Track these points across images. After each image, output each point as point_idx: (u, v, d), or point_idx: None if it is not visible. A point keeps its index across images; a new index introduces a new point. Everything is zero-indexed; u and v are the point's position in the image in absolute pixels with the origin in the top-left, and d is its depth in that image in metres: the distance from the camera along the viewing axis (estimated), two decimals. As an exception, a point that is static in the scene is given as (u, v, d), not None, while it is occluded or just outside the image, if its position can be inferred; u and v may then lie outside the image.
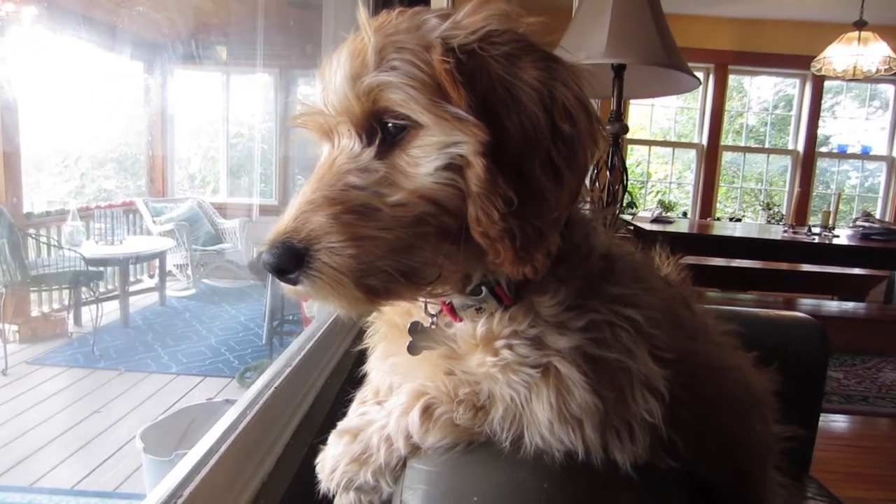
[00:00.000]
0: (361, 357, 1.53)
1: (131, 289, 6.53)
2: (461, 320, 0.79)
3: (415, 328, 0.82)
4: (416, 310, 0.83)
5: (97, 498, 3.28)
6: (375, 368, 0.91)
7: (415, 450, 0.75)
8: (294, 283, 0.64)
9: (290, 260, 0.62)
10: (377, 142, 0.66)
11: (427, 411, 0.74)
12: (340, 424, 0.84)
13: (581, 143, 0.66)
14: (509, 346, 0.73)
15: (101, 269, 6.13)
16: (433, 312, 0.82)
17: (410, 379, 0.81)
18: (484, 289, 0.75)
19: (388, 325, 0.88)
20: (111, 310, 5.92)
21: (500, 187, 0.62)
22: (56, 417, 4.10)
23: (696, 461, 0.84)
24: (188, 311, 6.71)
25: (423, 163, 0.65)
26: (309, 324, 2.31)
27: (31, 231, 5.75)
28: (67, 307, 5.86)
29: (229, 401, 2.56)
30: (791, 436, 1.05)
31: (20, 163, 5.40)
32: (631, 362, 0.74)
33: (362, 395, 0.94)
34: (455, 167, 0.64)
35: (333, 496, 0.83)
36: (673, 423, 0.77)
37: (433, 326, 0.81)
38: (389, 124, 0.66)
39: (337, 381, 1.38)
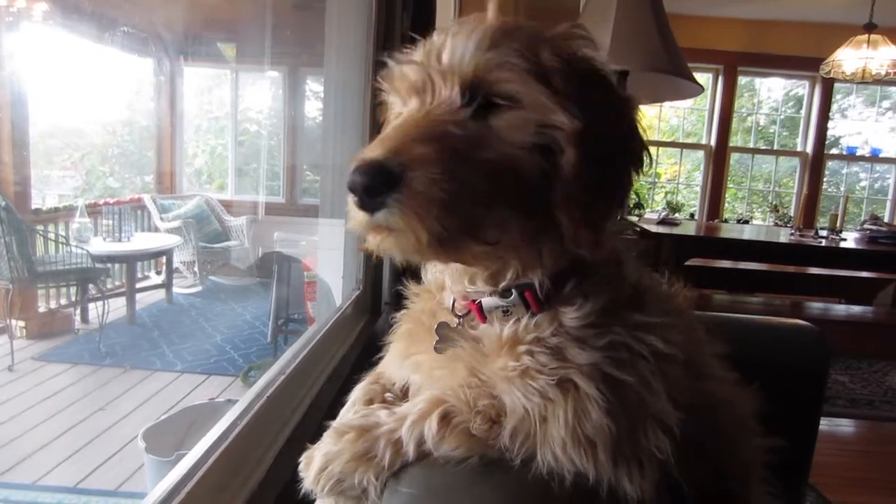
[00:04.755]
0: (359, 361, 1.54)
1: (138, 285, 6.54)
2: (487, 322, 0.81)
3: (442, 328, 0.84)
4: (442, 312, 0.86)
5: (99, 496, 3.29)
6: (393, 365, 0.92)
7: (422, 456, 0.75)
8: (375, 208, 0.65)
9: (383, 180, 0.64)
10: (475, 106, 0.71)
11: (445, 419, 0.75)
12: (337, 423, 0.83)
13: (638, 161, 0.76)
14: (531, 353, 0.74)
15: (108, 265, 6.15)
16: (461, 313, 0.84)
17: (433, 379, 0.82)
18: (514, 291, 0.78)
19: (414, 322, 0.91)
20: (118, 306, 5.93)
21: (586, 175, 0.69)
22: (61, 414, 4.12)
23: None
24: (194, 309, 6.73)
25: (517, 134, 0.70)
26: (313, 323, 2.32)
27: (39, 227, 5.77)
28: (74, 304, 5.88)
29: (231, 401, 2.56)
30: (782, 447, 1.04)
31: (29, 158, 5.42)
32: (647, 394, 0.74)
33: (355, 396, 0.94)
34: (545, 149, 0.70)
35: (313, 500, 0.82)
36: (678, 462, 0.77)
37: (459, 327, 0.83)
38: (491, 96, 0.71)
39: (333, 387, 1.38)
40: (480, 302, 0.81)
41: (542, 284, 0.77)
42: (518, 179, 0.70)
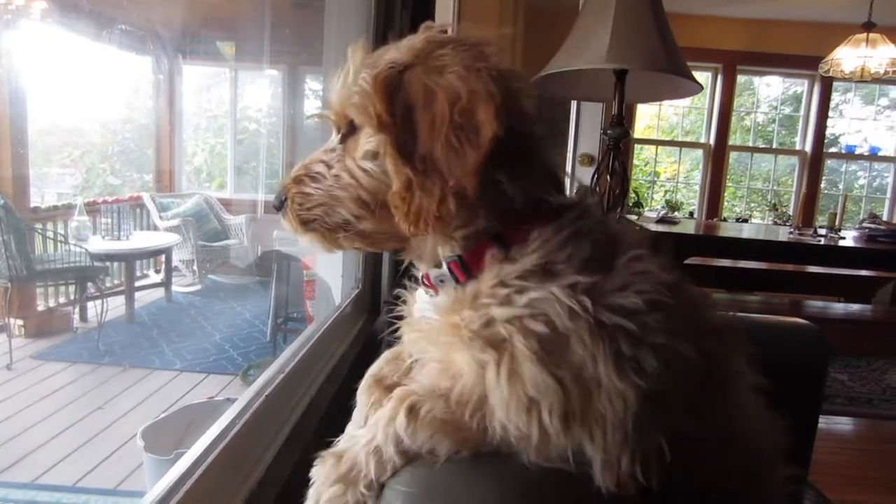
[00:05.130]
0: (358, 360, 1.54)
1: (137, 284, 6.54)
2: (438, 292, 0.89)
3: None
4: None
5: (98, 495, 3.29)
6: (404, 340, 0.97)
7: (407, 455, 0.76)
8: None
9: (279, 202, 0.91)
10: (341, 135, 0.89)
11: (412, 411, 0.77)
12: (325, 452, 0.85)
13: (477, 125, 0.78)
14: (461, 322, 0.79)
15: (107, 264, 6.15)
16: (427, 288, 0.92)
17: (424, 352, 0.88)
18: (444, 264, 0.87)
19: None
20: (116, 305, 5.93)
21: (402, 168, 0.78)
22: (59, 413, 4.12)
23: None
24: (193, 308, 6.73)
25: (357, 151, 0.86)
26: (312, 322, 2.31)
27: (38, 226, 5.77)
28: (73, 302, 5.88)
29: (230, 399, 2.56)
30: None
31: (28, 156, 5.42)
32: (578, 348, 0.74)
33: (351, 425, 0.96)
34: (376, 157, 0.83)
35: None
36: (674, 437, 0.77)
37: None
38: (352, 123, 0.87)
39: (332, 386, 1.38)
40: (428, 274, 0.91)
41: (463, 256, 0.86)
42: (358, 183, 0.86)
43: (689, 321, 0.84)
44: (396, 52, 0.85)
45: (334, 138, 0.91)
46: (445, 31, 0.89)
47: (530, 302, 0.76)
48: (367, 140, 0.84)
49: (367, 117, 0.83)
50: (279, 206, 0.91)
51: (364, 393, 0.96)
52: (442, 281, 0.88)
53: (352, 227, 0.88)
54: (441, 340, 0.82)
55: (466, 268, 0.85)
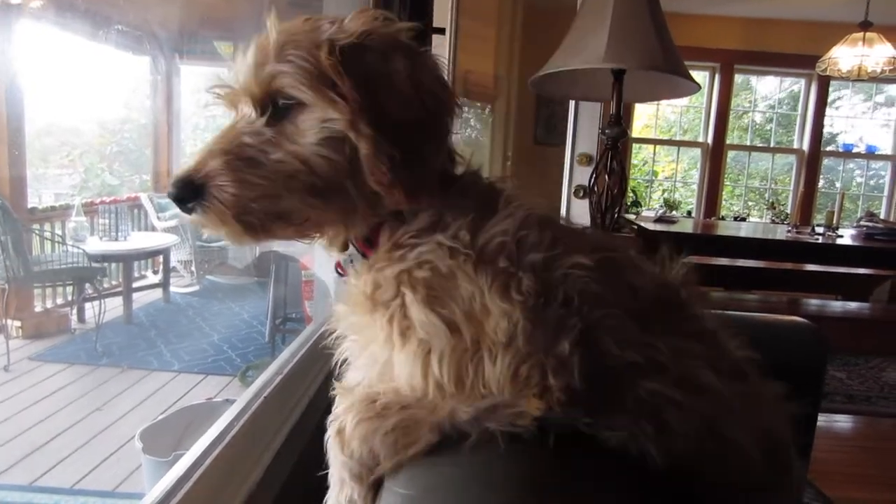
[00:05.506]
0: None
1: (135, 285, 6.53)
2: (345, 274, 0.91)
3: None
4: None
5: (97, 497, 3.29)
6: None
7: (367, 471, 0.77)
8: (191, 211, 0.80)
9: (189, 192, 0.79)
10: (269, 114, 0.82)
11: (340, 434, 0.79)
12: None
13: (442, 112, 0.85)
14: (359, 290, 0.83)
15: (105, 264, 6.14)
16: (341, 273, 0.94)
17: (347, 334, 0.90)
18: (351, 245, 0.90)
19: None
20: (114, 306, 5.92)
21: (383, 148, 0.77)
22: (57, 415, 4.11)
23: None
24: (191, 308, 6.72)
25: (306, 133, 0.80)
26: (311, 322, 2.31)
27: (35, 226, 5.76)
28: (70, 303, 5.87)
29: (229, 400, 2.56)
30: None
31: (25, 157, 5.41)
32: (464, 282, 0.76)
33: None
34: (333, 140, 0.80)
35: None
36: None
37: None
38: (280, 102, 0.82)
39: (331, 387, 1.38)
40: (339, 262, 0.93)
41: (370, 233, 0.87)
42: (311, 170, 0.80)
43: (572, 239, 0.85)
44: (339, 31, 0.83)
45: (253, 118, 0.83)
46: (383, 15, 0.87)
47: (418, 254, 0.79)
48: (321, 121, 0.80)
49: (322, 96, 0.79)
50: (189, 195, 0.80)
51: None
52: (352, 261, 0.90)
53: (294, 217, 0.83)
54: (353, 322, 0.85)
55: (370, 241, 0.87)
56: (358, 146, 0.79)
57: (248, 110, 0.84)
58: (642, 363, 0.77)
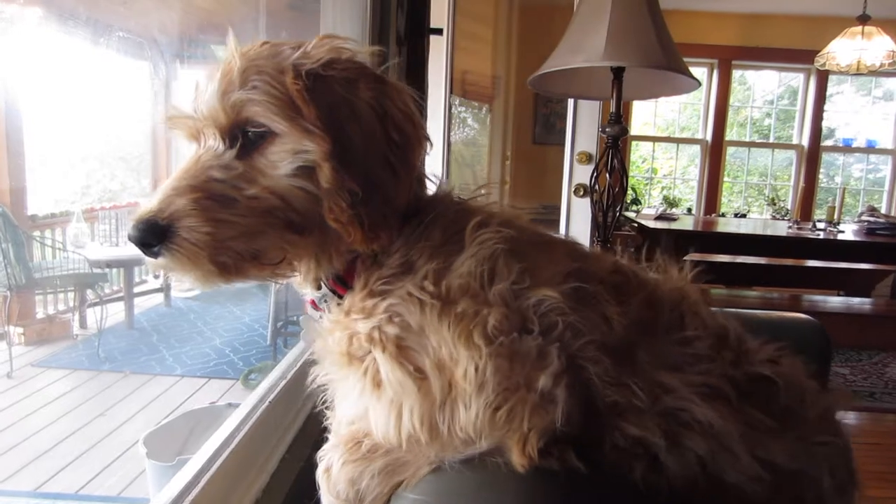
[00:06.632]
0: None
1: (136, 290, 6.52)
2: (321, 310, 0.90)
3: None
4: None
5: (101, 502, 3.29)
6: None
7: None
8: (156, 255, 0.74)
9: (153, 235, 0.73)
10: (238, 145, 0.77)
11: (327, 472, 0.80)
12: None
13: (410, 146, 0.81)
14: (334, 346, 0.82)
15: (106, 270, 6.13)
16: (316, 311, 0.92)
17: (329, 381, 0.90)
18: (323, 284, 0.87)
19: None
20: (116, 311, 5.92)
21: (346, 183, 0.75)
22: (60, 421, 4.10)
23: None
24: (193, 313, 6.72)
25: (279, 165, 0.76)
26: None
27: (36, 233, 5.76)
28: (72, 309, 5.86)
29: (232, 404, 2.56)
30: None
31: (25, 164, 5.40)
32: (432, 334, 0.76)
33: None
34: (306, 170, 0.76)
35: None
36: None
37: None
38: (250, 132, 0.77)
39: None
40: (313, 299, 0.91)
41: (343, 272, 0.85)
42: (288, 204, 0.76)
43: (538, 252, 0.85)
44: (303, 56, 0.80)
45: (220, 150, 0.78)
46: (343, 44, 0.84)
47: (387, 307, 0.78)
48: (294, 152, 0.76)
49: (295, 126, 0.75)
50: (154, 238, 0.73)
51: None
52: (325, 300, 0.88)
53: (270, 256, 0.79)
54: (332, 372, 0.85)
55: (343, 281, 0.85)
56: (321, 179, 0.76)
57: (213, 142, 0.79)
58: (621, 402, 0.77)
